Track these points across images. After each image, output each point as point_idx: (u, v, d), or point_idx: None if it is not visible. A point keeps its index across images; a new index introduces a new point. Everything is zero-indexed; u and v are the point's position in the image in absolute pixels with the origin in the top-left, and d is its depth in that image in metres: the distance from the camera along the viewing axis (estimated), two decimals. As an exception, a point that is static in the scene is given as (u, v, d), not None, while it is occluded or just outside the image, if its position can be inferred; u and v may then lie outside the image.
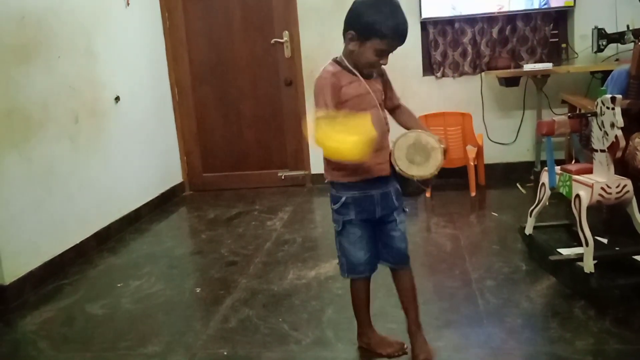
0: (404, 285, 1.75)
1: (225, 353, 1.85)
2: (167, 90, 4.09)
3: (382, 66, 1.62)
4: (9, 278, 2.38)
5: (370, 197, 1.64)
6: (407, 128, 1.67)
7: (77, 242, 2.86)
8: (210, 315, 2.14)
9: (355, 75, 1.58)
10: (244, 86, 4.11)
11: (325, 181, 1.70)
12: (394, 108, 1.73)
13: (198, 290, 2.43)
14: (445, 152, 1.54)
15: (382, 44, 1.52)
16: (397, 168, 1.55)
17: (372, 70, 1.61)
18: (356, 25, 1.53)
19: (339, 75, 1.58)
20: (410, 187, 1.64)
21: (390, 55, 1.58)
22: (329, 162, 1.63)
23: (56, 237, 2.71)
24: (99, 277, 2.65)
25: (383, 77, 1.68)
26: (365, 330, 1.82)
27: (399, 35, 1.52)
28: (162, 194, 3.87)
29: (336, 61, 1.61)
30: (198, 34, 4.08)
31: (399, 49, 1.57)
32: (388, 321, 1.94)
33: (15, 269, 2.43)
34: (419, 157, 1.54)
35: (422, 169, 1.54)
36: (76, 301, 2.37)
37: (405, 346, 1.78)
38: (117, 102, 3.33)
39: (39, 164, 2.62)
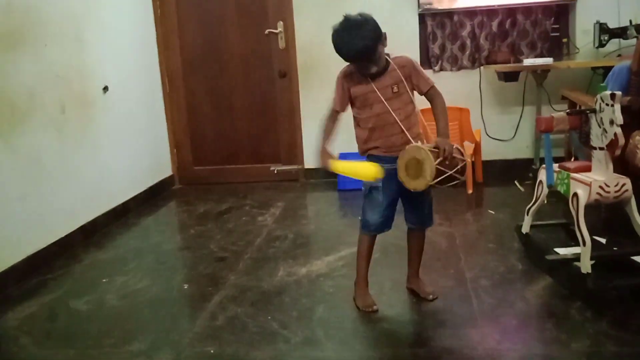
0: (418, 242, 2.09)
1: (212, 351, 1.83)
2: (157, 81, 4.02)
3: (401, 59, 1.89)
4: (-9, 272, 2.34)
5: (395, 171, 1.84)
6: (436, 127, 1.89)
7: (62, 235, 2.81)
8: (197, 313, 2.12)
9: (364, 76, 1.84)
10: (237, 77, 4.04)
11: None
12: (427, 97, 1.95)
13: (186, 286, 2.39)
14: (446, 157, 1.76)
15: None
16: (399, 175, 1.79)
17: (368, 74, 1.83)
18: None
19: (350, 76, 1.88)
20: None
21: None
22: (357, 140, 1.94)
23: (41, 230, 2.66)
24: (84, 272, 2.61)
25: (404, 69, 1.88)
26: (359, 281, 2.07)
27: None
28: (151, 187, 3.81)
29: None
30: (190, 22, 4.00)
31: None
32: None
33: (-2, 262, 2.38)
34: (412, 170, 1.76)
35: (412, 183, 1.78)
36: (60, 297, 2.33)
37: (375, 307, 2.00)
38: (105, 91, 3.26)
39: (24, 155, 2.57)
